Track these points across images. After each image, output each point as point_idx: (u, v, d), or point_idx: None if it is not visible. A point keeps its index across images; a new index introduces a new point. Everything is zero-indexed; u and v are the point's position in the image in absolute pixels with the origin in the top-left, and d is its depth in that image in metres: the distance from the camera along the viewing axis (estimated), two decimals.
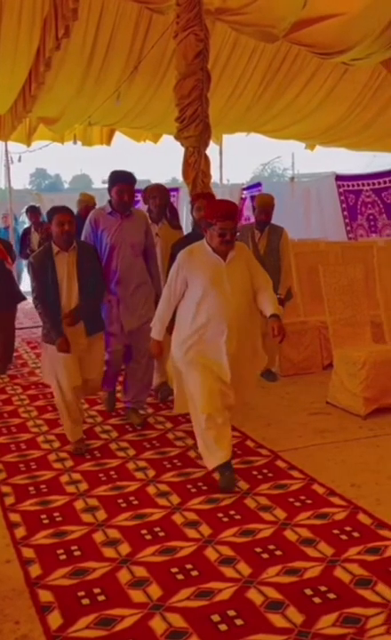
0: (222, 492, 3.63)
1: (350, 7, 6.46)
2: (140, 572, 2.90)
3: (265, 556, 3.00)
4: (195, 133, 5.44)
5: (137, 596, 2.72)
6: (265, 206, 5.77)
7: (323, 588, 2.72)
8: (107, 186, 4.66)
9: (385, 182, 10.41)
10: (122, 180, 4.55)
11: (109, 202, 4.64)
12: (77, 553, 3.08)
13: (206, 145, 5.65)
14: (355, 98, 10.02)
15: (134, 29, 8.04)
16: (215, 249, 3.72)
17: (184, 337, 3.78)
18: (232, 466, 3.78)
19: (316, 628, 2.47)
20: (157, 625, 2.52)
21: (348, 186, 11.06)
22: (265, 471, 3.96)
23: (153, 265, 4.82)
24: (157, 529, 3.29)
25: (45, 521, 3.42)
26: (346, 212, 11.25)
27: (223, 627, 2.50)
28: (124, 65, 8.56)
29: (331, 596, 2.67)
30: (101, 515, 3.46)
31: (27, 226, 9.98)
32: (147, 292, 4.72)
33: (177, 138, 5.62)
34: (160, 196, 5.17)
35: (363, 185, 10.79)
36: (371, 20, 6.32)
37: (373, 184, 10.62)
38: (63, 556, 3.05)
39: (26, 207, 9.61)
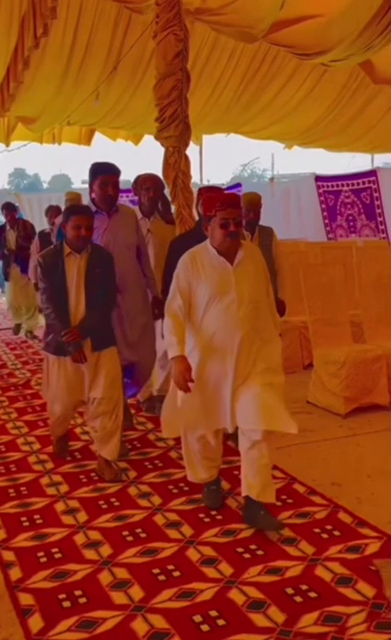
0: (209, 508, 3.47)
1: (328, 9, 6.53)
2: (122, 573, 2.89)
3: (246, 555, 3.00)
4: (175, 134, 5.42)
5: (118, 597, 2.71)
6: (253, 205, 5.36)
7: (304, 587, 2.73)
8: (88, 182, 4.19)
9: (364, 183, 10.49)
10: (104, 172, 4.07)
11: (92, 201, 4.15)
12: (58, 555, 3.06)
13: (186, 145, 5.63)
14: (333, 99, 10.11)
15: (113, 29, 8.03)
16: (219, 248, 3.22)
17: (186, 352, 3.30)
18: (219, 482, 3.60)
19: (298, 626, 2.48)
20: (139, 626, 2.51)
21: (328, 186, 11.11)
22: None
23: (146, 265, 4.39)
24: (139, 530, 3.28)
25: (25, 523, 3.39)
26: (325, 213, 11.31)
27: (205, 627, 2.50)
28: (104, 65, 8.53)
29: (313, 594, 2.68)
30: (82, 516, 3.44)
31: (1, 224, 9.82)
32: (144, 296, 4.33)
33: (157, 138, 5.61)
34: (154, 187, 4.69)
35: (343, 185, 10.86)
36: (349, 21, 6.37)
37: (352, 185, 10.69)
38: (44, 559, 3.03)
39: (1, 204, 9.35)
